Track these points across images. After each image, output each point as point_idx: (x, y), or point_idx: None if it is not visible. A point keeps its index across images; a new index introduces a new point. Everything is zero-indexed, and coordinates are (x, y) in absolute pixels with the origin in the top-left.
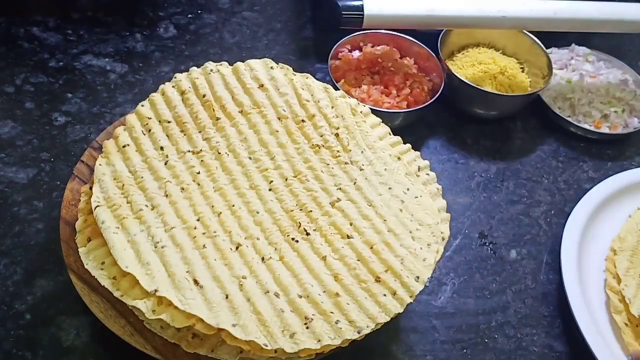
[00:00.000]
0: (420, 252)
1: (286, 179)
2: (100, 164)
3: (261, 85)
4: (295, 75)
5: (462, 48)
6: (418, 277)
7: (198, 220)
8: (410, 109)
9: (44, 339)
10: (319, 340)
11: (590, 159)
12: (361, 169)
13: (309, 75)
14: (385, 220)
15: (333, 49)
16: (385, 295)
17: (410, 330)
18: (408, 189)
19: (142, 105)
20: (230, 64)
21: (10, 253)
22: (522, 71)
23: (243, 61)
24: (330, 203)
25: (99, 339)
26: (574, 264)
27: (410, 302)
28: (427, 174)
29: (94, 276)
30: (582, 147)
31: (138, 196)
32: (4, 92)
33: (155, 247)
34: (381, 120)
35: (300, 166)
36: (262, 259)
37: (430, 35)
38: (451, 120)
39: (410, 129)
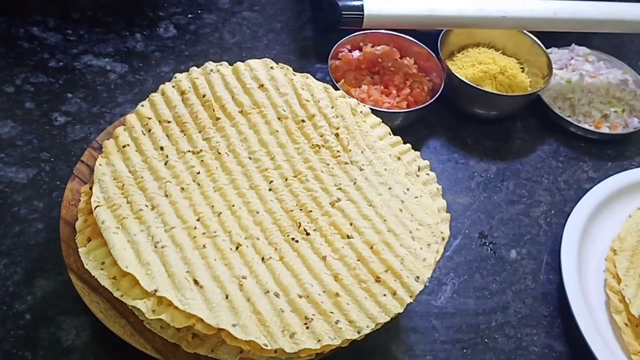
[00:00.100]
0: (420, 252)
1: (286, 179)
2: (100, 164)
3: (261, 85)
4: (295, 75)
5: (462, 48)
6: (418, 277)
7: (198, 220)
8: (410, 109)
9: (44, 339)
10: (319, 340)
11: (590, 159)
12: (361, 169)
13: (309, 75)
14: (385, 220)
15: (333, 49)
16: (385, 295)
17: (410, 330)
18: (408, 189)
19: (142, 105)
20: (230, 64)
21: (10, 253)
22: (522, 71)
23: (243, 61)
24: (330, 203)
25: (99, 339)
26: (574, 264)
27: (410, 302)
28: (427, 174)
29: (94, 276)
30: (582, 147)
31: (138, 196)
32: (4, 92)
33: (155, 247)
34: (381, 120)
35: (300, 166)
36: (262, 259)
37: (430, 35)
38: (451, 120)
39: (410, 129)
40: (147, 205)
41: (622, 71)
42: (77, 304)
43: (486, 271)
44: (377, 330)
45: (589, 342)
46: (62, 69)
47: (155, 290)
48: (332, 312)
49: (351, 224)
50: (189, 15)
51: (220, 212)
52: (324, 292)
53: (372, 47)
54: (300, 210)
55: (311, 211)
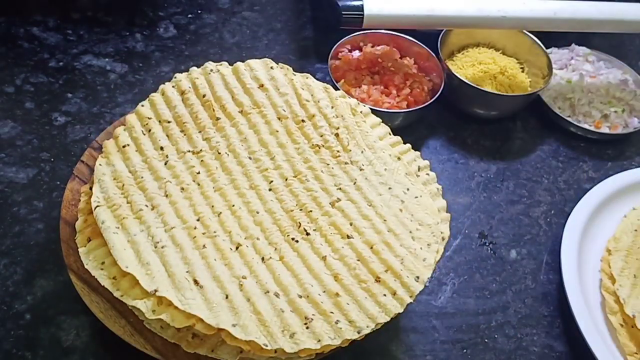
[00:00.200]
0: (420, 252)
1: (286, 179)
2: (100, 164)
3: (261, 85)
4: (295, 75)
5: (462, 48)
6: (418, 277)
7: (198, 220)
8: (410, 109)
9: (44, 339)
10: (319, 340)
11: (590, 159)
12: (361, 169)
13: (309, 75)
14: (385, 220)
15: (333, 49)
16: (385, 295)
17: (410, 330)
18: (408, 189)
19: (142, 105)
20: (230, 64)
21: (10, 253)
22: (522, 71)
23: (243, 61)
24: (330, 203)
25: (99, 339)
26: (573, 264)
27: (410, 302)
28: (427, 174)
29: (94, 276)
30: (582, 147)
31: (138, 196)
32: (4, 92)
33: (155, 247)
34: (381, 120)
35: (300, 166)
36: (262, 259)
37: (430, 35)
38: (451, 120)
39: (410, 129)
40: (147, 205)
41: (622, 71)
42: (77, 304)
43: (486, 271)
44: (377, 330)
45: (589, 342)
46: (62, 69)
47: (155, 290)
48: (332, 312)
49: (351, 224)
50: (189, 15)
51: (220, 212)
52: (324, 292)
53: (372, 47)
54: (300, 210)
55: (311, 211)
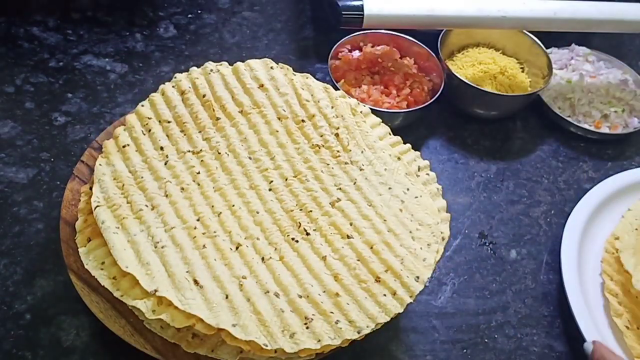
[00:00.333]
0: (420, 252)
1: (286, 179)
2: (100, 164)
3: (261, 85)
4: (295, 75)
5: (462, 48)
6: (418, 277)
7: (198, 220)
8: (410, 109)
9: (44, 339)
10: (319, 340)
11: (590, 159)
12: (361, 169)
13: (309, 75)
14: (385, 220)
15: (333, 49)
16: (385, 295)
17: (410, 330)
18: (408, 189)
19: (142, 105)
20: (230, 64)
21: (10, 253)
22: (522, 71)
23: (243, 61)
24: (330, 203)
25: (99, 339)
26: (573, 264)
27: (410, 302)
28: (427, 174)
29: (94, 276)
30: (582, 147)
31: (138, 196)
32: (4, 92)
33: (155, 247)
34: (381, 120)
35: (300, 166)
36: (262, 259)
37: (430, 35)
38: (451, 120)
39: (410, 129)
40: (147, 205)
41: (622, 71)
42: (77, 304)
43: (486, 271)
44: (377, 330)
45: None
46: (62, 69)
47: (155, 290)
48: (332, 312)
49: (351, 224)
50: (189, 15)
51: (220, 212)
52: (324, 292)
53: (372, 47)
54: (300, 210)
55: (311, 211)
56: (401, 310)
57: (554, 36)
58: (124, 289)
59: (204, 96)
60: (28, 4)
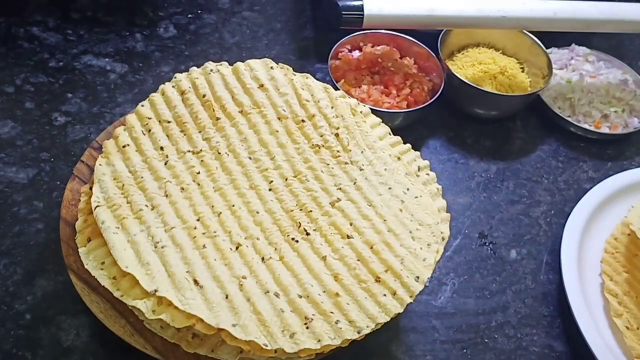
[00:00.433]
0: (420, 252)
1: (286, 179)
2: (100, 164)
3: (261, 85)
4: (295, 75)
5: (462, 48)
6: (418, 277)
7: (198, 220)
8: (410, 109)
9: (44, 339)
10: (319, 340)
11: (590, 159)
12: (361, 169)
13: (309, 75)
14: (385, 220)
15: (333, 49)
16: (385, 295)
17: (410, 330)
18: (408, 189)
19: (142, 105)
20: (230, 64)
21: (10, 253)
22: (522, 71)
23: (243, 61)
24: (330, 203)
25: (99, 339)
26: (574, 264)
27: (410, 302)
28: (427, 174)
29: (94, 276)
30: (582, 147)
31: (138, 196)
32: (4, 92)
33: (155, 247)
34: (381, 120)
35: (300, 166)
36: (262, 259)
37: (430, 35)
38: (451, 120)
39: (410, 129)
40: (147, 205)
41: (622, 71)
42: (77, 304)
43: (486, 271)
44: (377, 330)
45: (589, 342)
46: (62, 69)
47: (155, 290)
48: (332, 312)
49: (351, 224)
50: (189, 15)
51: (220, 212)
52: (324, 292)
53: (372, 47)
54: (300, 210)
55: (311, 211)
56: (401, 310)
57: (554, 36)
58: (124, 289)
59: (204, 96)
60: (28, 4)
